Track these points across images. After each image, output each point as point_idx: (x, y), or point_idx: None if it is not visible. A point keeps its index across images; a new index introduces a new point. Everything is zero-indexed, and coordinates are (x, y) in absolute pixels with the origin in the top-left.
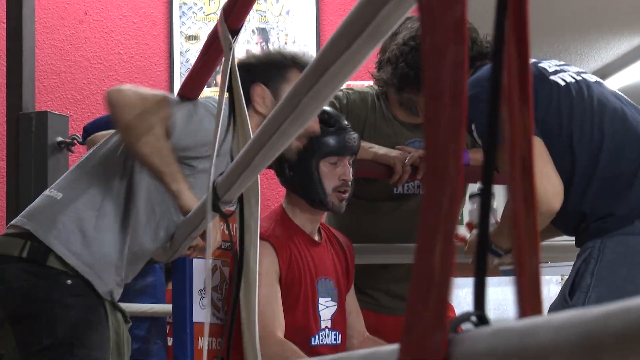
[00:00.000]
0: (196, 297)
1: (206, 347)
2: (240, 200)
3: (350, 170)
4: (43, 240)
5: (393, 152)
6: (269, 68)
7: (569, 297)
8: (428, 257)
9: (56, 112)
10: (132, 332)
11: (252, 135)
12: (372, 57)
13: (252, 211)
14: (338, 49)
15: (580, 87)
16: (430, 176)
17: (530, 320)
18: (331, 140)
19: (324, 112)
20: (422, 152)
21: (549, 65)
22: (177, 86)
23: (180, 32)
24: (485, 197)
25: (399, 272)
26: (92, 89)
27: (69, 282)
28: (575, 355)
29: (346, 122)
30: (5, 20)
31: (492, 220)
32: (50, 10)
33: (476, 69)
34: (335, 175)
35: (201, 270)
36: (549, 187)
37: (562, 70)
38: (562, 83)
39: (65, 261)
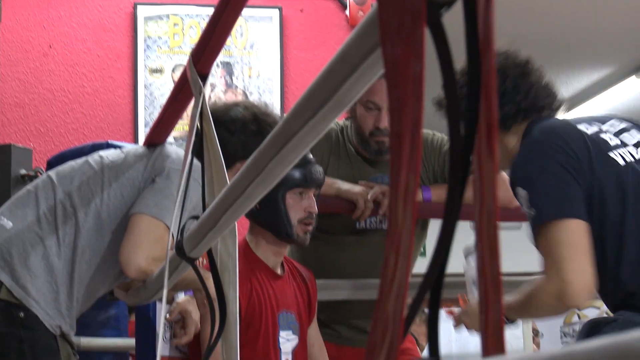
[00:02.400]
0: (160, 331)
1: None
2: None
3: (315, 202)
4: None
5: (356, 188)
6: (249, 145)
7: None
8: (384, 306)
9: (19, 145)
10: None
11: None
12: None
13: (229, 252)
14: (303, 117)
15: (638, 169)
16: (389, 228)
17: None
18: (297, 173)
19: None
20: (385, 188)
21: (610, 137)
22: (140, 119)
23: (145, 65)
24: (446, 234)
25: (360, 307)
26: (55, 122)
27: (22, 314)
28: None
29: (311, 156)
30: None
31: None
32: (14, 43)
33: (535, 119)
34: (300, 207)
35: (165, 306)
36: (582, 283)
37: (622, 144)
38: (622, 162)
39: (14, 294)
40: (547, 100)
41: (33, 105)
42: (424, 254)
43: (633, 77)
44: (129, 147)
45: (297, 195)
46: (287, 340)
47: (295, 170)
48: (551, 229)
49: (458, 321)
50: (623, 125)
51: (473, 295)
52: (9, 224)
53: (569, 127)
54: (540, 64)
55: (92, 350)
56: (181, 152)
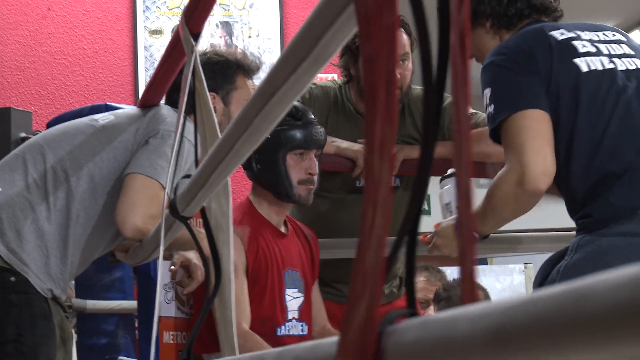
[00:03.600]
0: (161, 292)
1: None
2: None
3: (316, 163)
4: None
5: (355, 146)
6: (217, 76)
7: (537, 287)
8: (363, 259)
9: (19, 108)
10: (101, 327)
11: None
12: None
13: (223, 210)
14: (284, 72)
15: (602, 77)
16: (366, 183)
17: (453, 312)
18: (298, 134)
19: (292, 105)
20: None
21: (583, 43)
22: (141, 80)
23: (145, 26)
24: (419, 189)
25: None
26: (56, 85)
27: (13, 279)
28: (487, 345)
29: (313, 116)
30: None
31: (451, 215)
32: (13, 6)
33: (532, 21)
34: (301, 168)
35: (164, 265)
36: (540, 165)
37: (597, 53)
38: (585, 69)
39: (4, 259)
40: (554, 4)
41: (33, 68)
42: (428, 212)
43: (637, 31)
44: (121, 109)
45: (297, 157)
46: (293, 298)
47: (296, 131)
48: (512, 120)
49: (432, 245)
50: (616, 37)
51: (445, 217)
52: None
53: (539, 32)
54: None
55: (98, 312)
56: (175, 113)
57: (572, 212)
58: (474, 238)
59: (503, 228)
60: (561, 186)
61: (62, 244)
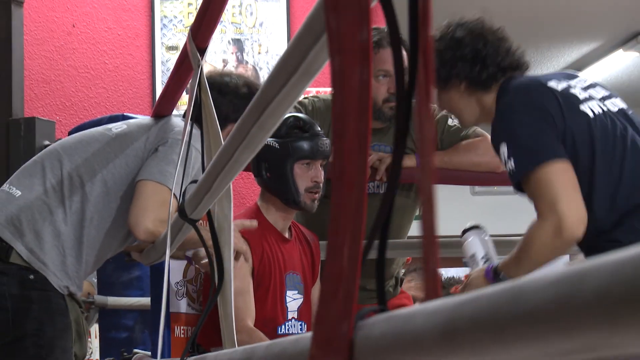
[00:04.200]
0: (173, 289)
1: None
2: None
3: (322, 172)
4: (3, 237)
5: None
6: (241, 108)
7: None
8: (338, 257)
9: (44, 118)
10: (122, 322)
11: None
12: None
13: (225, 213)
14: (277, 85)
15: (606, 121)
16: (337, 183)
17: (413, 308)
18: (305, 145)
19: (300, 119)
20: (382, 155)
21: (580, 91)
22: (158, 93)
23: (162, 43)
24: (389, 193)
25: (362, 266)
26: (79, 96)
27: (32, 277)
28: (440, 338)
29: (319, 129)
30: None
31: (477, 266)
32: (40, 23)
33: (508, 78)
34: (307, 177)
35: (177, 264)
36: (575, 215)
37: (590, 98)
38: (592, 114)
39: (24, 257)
40: (522, 60)
41: (58, 81)
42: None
43: (620, 51)
44: (133, 119)
45: (304, 166)
46: (293, 299)
47: (304, 142)
48: (538, 173)
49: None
50: (588, 82)
51: (471, 269)
52: (17, 192)
53: (541, 84)
54: (533, 38)
55: (118, 308)
56: (183, 123)
57: (596, 239)
58: (436, 240)
59: (501, 232)
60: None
61: (78, 244)
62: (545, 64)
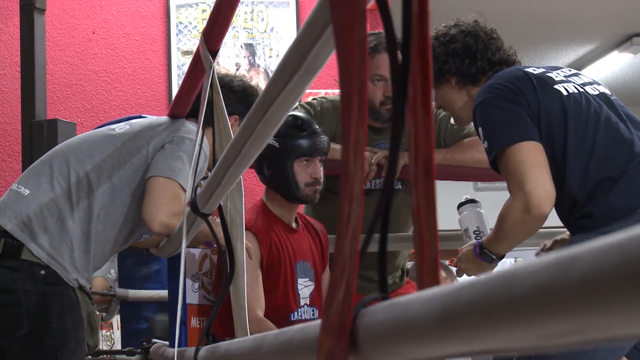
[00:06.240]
0: (189, 282)
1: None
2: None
3: (321, 168)
4: (14, 235)
5: None
6: (239, 102)
7: None
8: (341, 250)
9: (65, 120)
10: (142, 314)
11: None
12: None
13: (237, 208)
14: (280, 83)
15: (580, 99)
16: (343, 180)
17: (412, 295)
18: (304, 143)
19: (298, 118)
20: (387, 152)
21: (556, 74)
22: (174, 95)
23: (177, 48)
24: (387, 189)
25: (368, 259)
26: (99, 99)
27: (43, 272)
28: (437, 323)
29: (317, 127)
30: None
31: (487, 230)
32: (61, 30)
33: (495, 72)
34: (307, 173)
35: (193, 257)
36: (542, 192)
37: (567, 81)
38: (565, 92)
39: (34, 254)
40: (512, 57)
41: (79, 84)
42: None
43: (615, 52)
44: (135, 120)
45: (303, 163)
46: (305, 287)
47: (302, 141)
48: (508, 153)
49: (458, 268)
50: (572, 72)
51: (465, 242)
52: (25, 191)
53: (518, 69)
54: (532, 40)
55: (138, 300)
56: (188, 123)
57: (569, 215)
58: (436, 230)
59: None
60: (558, 197)
61: (85, 239)
62: (543, 65)
